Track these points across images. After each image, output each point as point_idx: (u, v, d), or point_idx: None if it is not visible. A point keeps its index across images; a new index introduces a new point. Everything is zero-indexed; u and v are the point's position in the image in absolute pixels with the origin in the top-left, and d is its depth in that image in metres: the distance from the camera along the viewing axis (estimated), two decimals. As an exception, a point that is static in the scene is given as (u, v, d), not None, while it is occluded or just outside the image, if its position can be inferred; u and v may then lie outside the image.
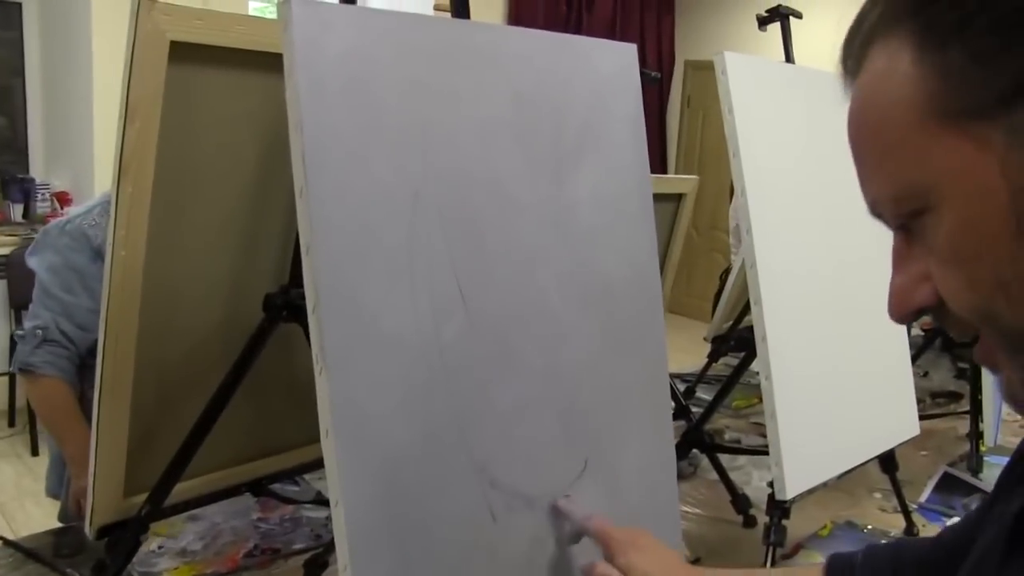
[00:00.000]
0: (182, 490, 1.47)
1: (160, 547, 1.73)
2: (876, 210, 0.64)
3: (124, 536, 1.44)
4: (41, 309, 1.98)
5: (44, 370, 1.95)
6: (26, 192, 5.31)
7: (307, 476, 1.95)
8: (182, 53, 1.23)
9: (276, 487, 1.78)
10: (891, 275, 0.64)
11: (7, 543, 1.72)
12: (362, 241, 0.97)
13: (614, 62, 1.33)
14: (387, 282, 0.99)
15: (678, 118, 8.58)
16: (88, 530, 1.44)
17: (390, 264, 1.00)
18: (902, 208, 0.60)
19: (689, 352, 3.63)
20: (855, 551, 1.08)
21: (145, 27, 1.18)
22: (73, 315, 1.95)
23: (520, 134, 1.16)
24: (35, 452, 4.66)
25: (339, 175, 0.96)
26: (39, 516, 3.90)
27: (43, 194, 5.37)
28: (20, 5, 5.38)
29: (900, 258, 0.63)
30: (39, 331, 1.96)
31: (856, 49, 0.63)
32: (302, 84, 0.93)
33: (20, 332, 2.01)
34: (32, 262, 2.03)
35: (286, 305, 1.39)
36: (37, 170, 5.54)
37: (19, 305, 4.83)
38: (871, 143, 0.62)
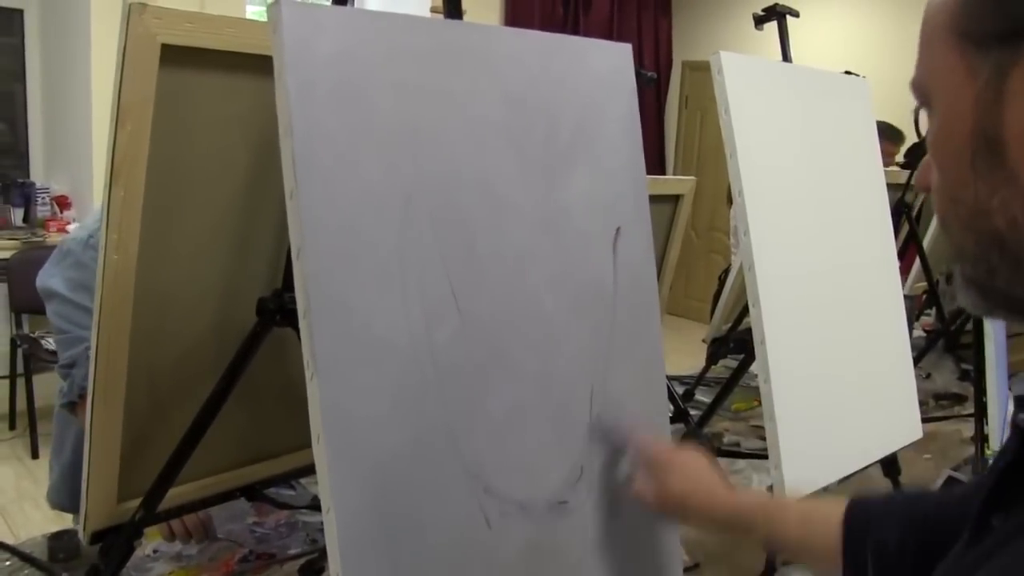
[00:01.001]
0: (176, 495, 1.46)
1: (155, 552, 1.72)
2: (911, 84, 0.69)
3: (118, 541, 1.43)
4: (82, 331, 1.85)
5: None
6: (26, 196, 5.31)
7: (303, 480, 1.94)
8: (173, 56, 1.22)
9: (272, 491, 1.77)
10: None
11: (3, 547, 1.71)
12: (353, 244, 0.96)
13: (608, 63, 1.32)
14: (378, 286, 0.99)
15: (676, 119, 8.57)
16: (82, 535, 1.43)
17: (381, 268, 0.99)
18: (916, 94, 0.67)
19: (688, 354, 3.63)
20: (875, 498, 1.13)
21: (136, 30, 1.17)
22: None
23: (513, 136, 1.15)
24: (35, 455, 4.66)
25: (330, 178, 0.95)
26: (39, 519, 3.90)
27: (43, 198, 5.37)
28: (21, 12, 5.39)
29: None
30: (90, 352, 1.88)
31: None
32: (292, 86, 0.92)
33: (64, 363, 1.91)
34: (52, 283, 1.93)
35: (279, 309, 1.38)
36: (37, 174, 5.54)
37: (19, 309, 4.83)
38: (922, 28, 0.67)
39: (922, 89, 0.65)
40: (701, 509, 1.21)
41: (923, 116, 0.70)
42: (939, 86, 0.63)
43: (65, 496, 2.15)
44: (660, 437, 1.38)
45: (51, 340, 4.30)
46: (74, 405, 1.90)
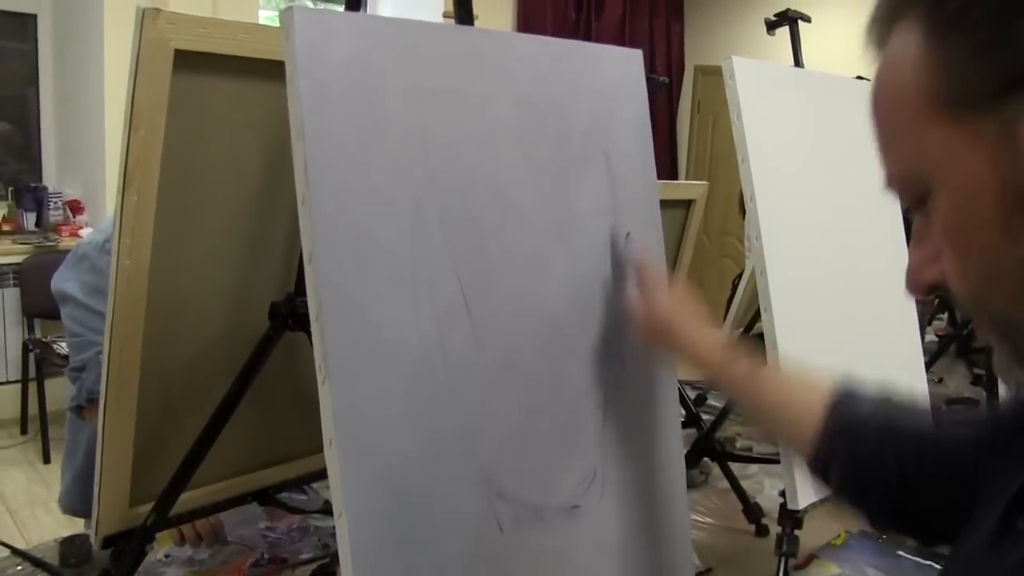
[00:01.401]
0: (188, 499, 1.47)
1: (167, 556, 1.72)
2: (889, 185, 0.66)
3: (130, 546, 1.43)
4: (95, 335, 1.88)
5: None
6: (39, 201, 5.33)
7: (315, 485, 1.94)
8: (187, 61, 1.22)
9: (284, 496, 1.77)
10: (910, 250, 0.66)
11: (15, 552, 1.72)
12: (365, 248, 0.96)
13: (620, 68, 1.32)
14: (390, 290, 0.99)
15: (688, 123, 8.56)
16: (93, 540, 1.43)
17: (393, 272, 0.99)
18: (907, 187, 0.63)
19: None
20: (861, 401, 1.09)
21: (150, 36, 1.18)
22: None
23: (524, 140, 1.15)
24: (47, 460, 4.67)
25: (341, 182, 0.95)
26: (50, 523, 3.91)
27: (55, 203, 5.39)
28: (35, 17, 5.41)
29: (918, 236, 0.65)
30: (102, 356, 1.87)
31: (880, 27, 0.65)
32: (304, 91, 0.92)
33: (75, 366, 1.91)
34: (67, 287, 1.94)
35: (291, 313, 1.38)
36: (50, 179, 5.56)
37: (32, 314, 4.85)
38: (884, 122, 0.64)
39: (915, 181, 0.61)
40: (685, 334, 1.23)
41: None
42: (939, 167, 0.59)
43: (77, 501, 2.16)
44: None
45: (64, 344, 4.32)
46: (82, 409, 1.91)
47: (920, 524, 1.02)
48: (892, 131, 0.63)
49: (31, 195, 5.31)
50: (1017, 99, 0.54)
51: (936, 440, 0.99)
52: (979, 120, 0.56)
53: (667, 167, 8.10)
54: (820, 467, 1.07)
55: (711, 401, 2.94)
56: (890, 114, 0.63)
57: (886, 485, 0.99)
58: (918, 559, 1.93)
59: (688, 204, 2.39)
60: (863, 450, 1.02)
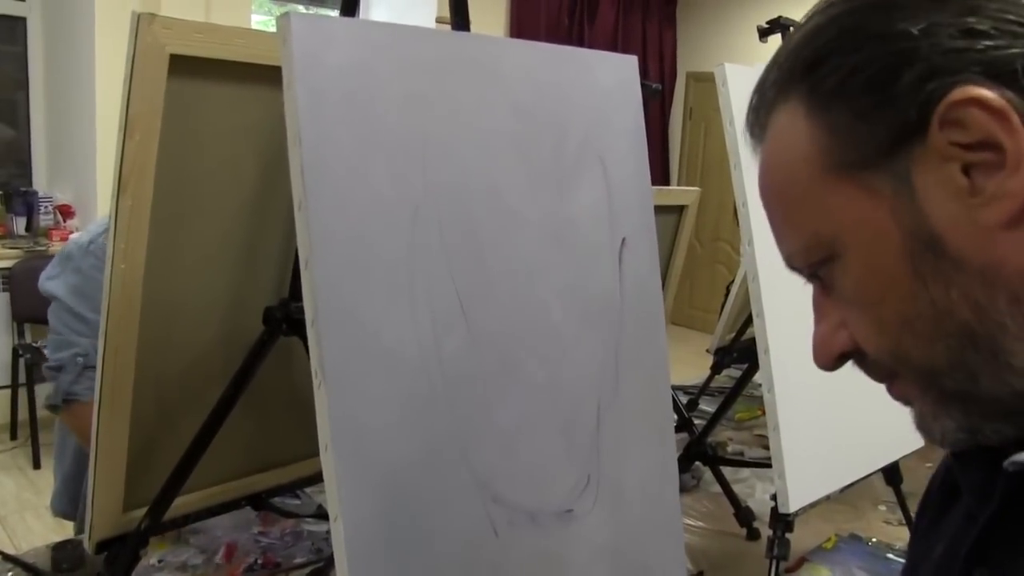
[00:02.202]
0: (181, 504, 1.47)
1: (160, 561, 1.72)
2: (791, 264, 0.67)
3: (123, 551, 1.43)
4: (74, 336, 1.90)
5: (89, 396, 1.84)
6: (29, 205, 5.31)
7: (308, 489, 1.94)
8: (182, 66, 1.23)
9: (277, 501, 1.77)
10: (814, 325, 0.68)
11: (7, 557, 1.71)
12: (362, 255, 0.97)
13: (615, 74, 1.33)
14: (387, 296, 0.99)
15: (680, 130, 8.58)
16: (87, 544, 1.43)
17: (390, 278, 0.99)
18: (812, 258, 0.63)
19: (692, 364, 3.62)
20: None
21: (145, 40, 1.18)
22: None
23: (521, 147, 1.16)
24: (37, 465, 4.65)
25: (338, 189, 0.95)
26: (40, 529, 3.90)
27: (46, 207, 5.37)
28: (24, 20, 5.39)
29: (819, 308, 0.67)
30: (80, 358, 1.88)
31: (761, 116, 0.66)
32: (301, 97, 0.93)
33: (52, 364, 1.92)
34: (52, 286, 1.94)
35: (286, 318, 1.38)
36: (40, 183, 5.54)
37: (22, 318, 4.83)
38: (778, 199, 0.65)
39: (819, 248, 0.62)
40: None
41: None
42: (843, 228, 0.60)
43: (67, 503, 2.16)
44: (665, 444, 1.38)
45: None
46: (57, 408, 1.91)
47: None
48: (789, 206, 0.64)
49: (21, 199, 5.29)
50: (907, 151, 0.56)
51: None
52: (875, 177, 0.57)
53: (659, 173, 8.11)
54: None
55: (703, 406, 2.95)
56: (785, 190, 0.64)
57: None
58: (909, 563, 1.94)
59: (681, 210, 2.40)
60: None
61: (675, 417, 2.29)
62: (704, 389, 3.03)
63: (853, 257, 0.61)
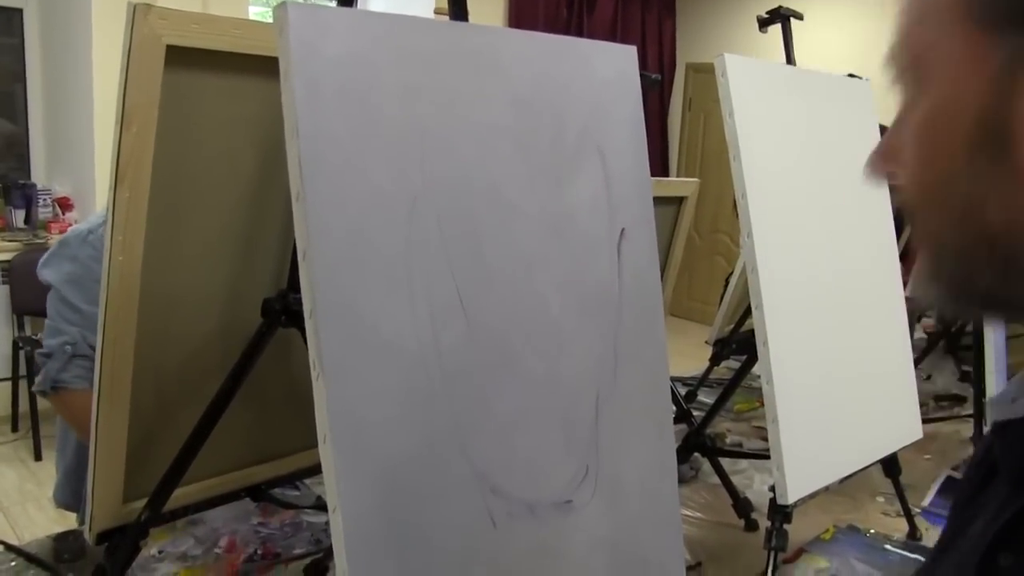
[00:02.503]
0: (181, 495, 1.47)
1: (160, 552, 1.72)
2: (888, 61, 0.64)
3: (123, 542, 1.43)
4: (64, 324, 1.91)
5: (77, 384, 1.89)
6: (28, 198, 5.30)
7: (307, 481, 1.95)
8: (179, 57, 1.22)
9: (276, 492, 1.77)
10: (889, 131, 0.65)
11: (9, 548, 1.72)
12: (359, 246, 0.97)
13: (614, 65, 1.32)
14: (385, 288, 0.99)
15: (679, 121, 8.57)
16: (88, 536, 1.43)
17: (388, 270, 0.99)
18: (898, 59, 0.62)
19: (691, 356, 3.62)
20: None
21: (141, 31, 1.18)
22: (95, 326, 1.91)
23: (519, 138, 1.16)
24: (38, 457, 4.66)
25: (336, 180, 0.95)
26: (42, 520, 3.90)
27: (45, 200, 5.36)
28: (21, 11, 5.38)
29: (896, 122, 0.64)
30: (68, 347, 1.90)
31: None
32: (298, 88, 0.93)
33: (44, 351, 1.94)
34: (47, 274, 1.95)
35: (284, 310, 1.38)
36: (38, 176, 5.54)
37: (22, 311, 4.83)
38: (910, 7, 0.62)
39: (913, 64, 0.60)
40: None
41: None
42: (939, 67, 0.58)
43: (69, 495, 2.17)
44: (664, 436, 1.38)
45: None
46: (46, 394, 1.93)
47: None
48: (915, 6, 0.62)
49: (19, 192, 5.29)
50: None
51: None
52: (993, 42, 0.55)
53: (658, 164, 8.10)
54: None
55: (702, 397, 2.95)
56: (918, 3, 0.61)
57: None
58: (904, 553, 1.95)
59: (680, 201, 2.40)
60: None
61: (674, 409, 2.30)
62: (703, 381, 3.03)
63: (929, 102, 0.59)
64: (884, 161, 0.64)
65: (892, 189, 0.66)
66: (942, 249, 0.60)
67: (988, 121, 0.55)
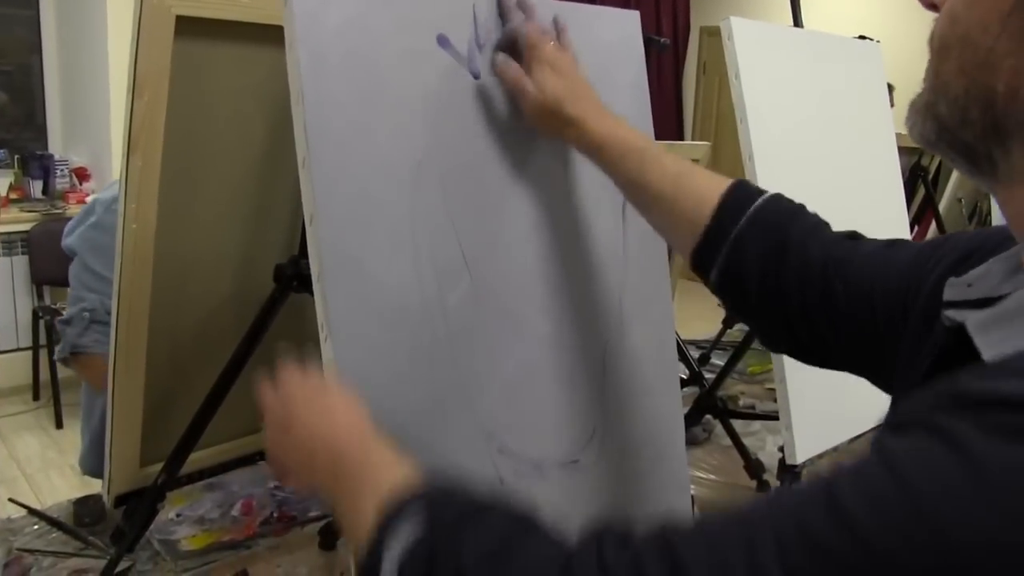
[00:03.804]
0: (197, 459, 1.50)
1: (178, 515, 1.76)
2: None
3: (141, 504, 1.46)
4: (85, 291, 1.96)
5: (95, 349, 1.94)
6: (45, 169, 5.35)
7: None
8: (188, 27, 1.24)
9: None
10: None
11: (31, 512, 1.75)
12: (365, 210, 0.98)
13: (616, 30, 1.33)
14: (391, 250, 1.01)
15: (694, 85, 8.53)
16: (106, 499, 1.47)
17: (393, 232, 1.01)
18: None
19: (705, 319, 3.63)
20: (762, 191, 1.05)
21: (151, 2, 1.19)
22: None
23: (522, 102, 1.16)
24: (59, 425, 4.73)
25: (341, 145, 0.97)
26: (64, 487, 3.97)
27: (62, 170, 5.41)
28: (36, -17, 5.40)
29: None
30: (86, 313, 1.95)
31: None
32: (303, 56, 0.94)
33: (64, 317, 1.98)
34: (71, 241, 2.00)
35: (296, 275, 1.40)
36: (56, 147, 5.58)
37: (41, 281, 4.89)
38: None
39: None
40: (575, 118, 1.10)
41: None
42: None
43: (95, 462, 2.20)
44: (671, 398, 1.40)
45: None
46: (67, 360, 1.97)
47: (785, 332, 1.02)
48: None
49: (37, 163, 5.33)
50: None
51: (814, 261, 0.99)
52: None
53: (674, 128, 8.07)
54: (703, 257, 1.04)
55: (715, 360, 2.96)
56: None
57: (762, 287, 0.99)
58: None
59: (691, 165, 2.40)
60: (744, 256, 1.00)
61: (686, 371, 2.31)
62: (716, 343, 3.04)
63: None
64: None
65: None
66: (946, 90, 0.63)
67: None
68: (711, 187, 1.05)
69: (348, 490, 0.80)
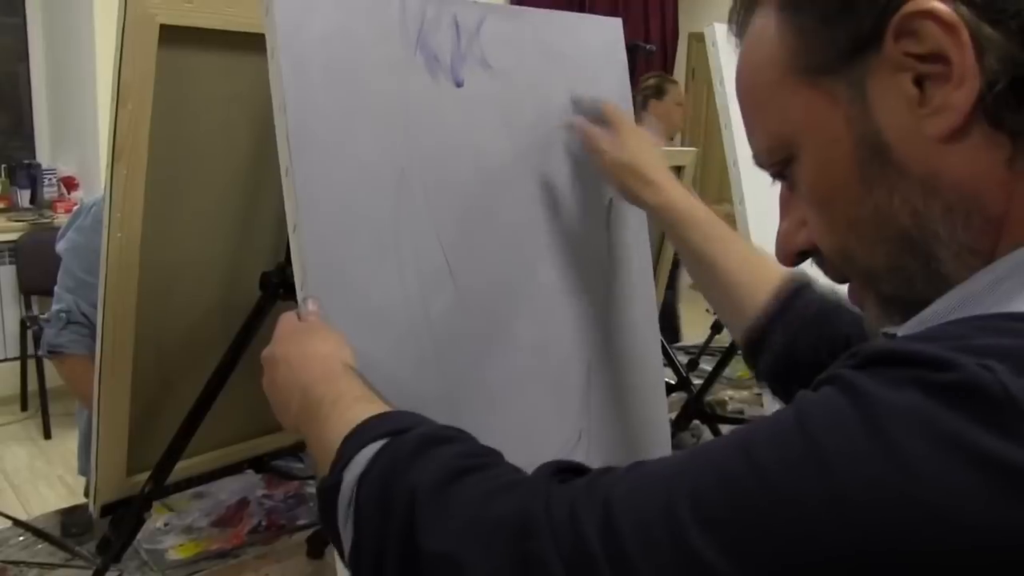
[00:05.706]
0: (184, 468, 1.49)
1: (166, 524, 1.75)
2: (758, 161, 0.70)
3: (127, 514, 1.46)
4: (63, 292, 2.03)
5: (71, 349, 2.02)
6: (33, 178, 5.32)
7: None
8: (172, 36, 1.24)
9: (280, 464, 1.80)
10: (779, 221, 0.71)
11: (17, 523, 1.74)
12: (348, 218, 0.99)
13: (599, 36, 1.33)
14: (375, 258, 1.01)
15: (683, 91, 8.53)
16: (92, 508, 1.46)
17: (377, 241, 1.01)
18: (775, 156, 0.67)
19: (694, 324, 3.65)
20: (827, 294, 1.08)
21: (135, 11, 1.19)
22: (90, 296, 1.97)
23: (504, 109, 1.17)
24: (48, 435, 4.70)
25: (324, 154, 0.97)
26: (52, 498, 3.95)
27: (50, 179, 5.38)
28: (22, -9, 5.38)
29: (784, 205, 0.71)
30: (63, 314, 2.01)
31: (742, 15, 0.69)
32: (285, 65, 0.94)
33: (46, 316, 2.05)
34: (59, 245, 2.07)
35: (282, 283, 1.39)
36: (43, 155, 5.55)
37: (29, 291, 4.87)
38: (748, 99, 0.69)
39: (780, 147, 0.66)
40: (644, 181, 1.17)
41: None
42: (801, 130, 0.64)
43: (86, 461, 2.22)
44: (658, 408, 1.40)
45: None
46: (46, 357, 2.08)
47: None
48: (756, 104, 0.68)
49: (25, 172, 5.31)
50: (864, 59, 0.59)
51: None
52: (833, 83, 0.61)
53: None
54: (755, 346, 1.10)
55: (704, 366, 2.96)
56: (752, 88, 0.68)
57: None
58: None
59: (678, 171, 2.41)
60: (803, 339, 1.05)
61: (674, 377, 2.31)
62: (704, 349, 3.04)
63: (808, 158, 0.64)
64: (792, 240, 0.70)
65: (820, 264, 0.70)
66: (874, 275, 0.65)
67: (862, 142, 0.60)
68: (768, 278, 1.10)
69: (318, 422, 0.83)
